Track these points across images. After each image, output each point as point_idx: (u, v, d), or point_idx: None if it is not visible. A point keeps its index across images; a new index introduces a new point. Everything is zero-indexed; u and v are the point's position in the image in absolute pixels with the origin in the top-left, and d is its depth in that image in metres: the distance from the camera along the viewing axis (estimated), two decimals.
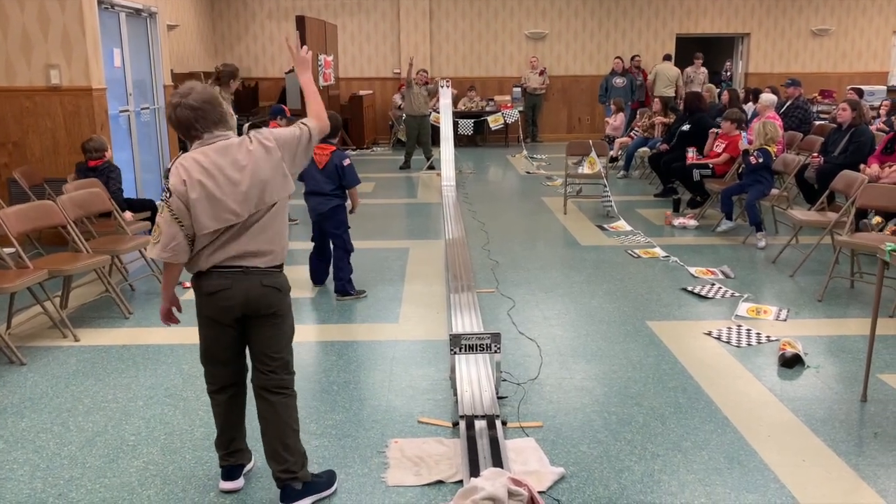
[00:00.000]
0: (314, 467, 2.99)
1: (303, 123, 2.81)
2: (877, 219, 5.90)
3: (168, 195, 2.59)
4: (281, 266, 2.76)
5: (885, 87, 13.37)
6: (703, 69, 13.76)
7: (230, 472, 2.95)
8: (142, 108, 8.26)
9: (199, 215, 2.56)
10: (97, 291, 5.34)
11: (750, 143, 7.22)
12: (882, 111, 9.58)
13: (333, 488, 2.92)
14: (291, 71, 12.74)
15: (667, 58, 13.90)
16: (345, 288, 5.30)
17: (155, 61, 8.52)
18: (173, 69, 10.04)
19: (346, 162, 5.15)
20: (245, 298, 2.66)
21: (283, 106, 9.13)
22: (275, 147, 2.68)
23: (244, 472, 3.01)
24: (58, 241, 5.74)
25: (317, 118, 2.86)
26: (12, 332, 4.53)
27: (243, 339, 2.80)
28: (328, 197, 5.18)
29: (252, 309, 2.69)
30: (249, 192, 2.59)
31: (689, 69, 13.84)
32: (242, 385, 2.93)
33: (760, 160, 6.77)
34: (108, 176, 6.01)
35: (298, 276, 5.47)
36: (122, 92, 7.77)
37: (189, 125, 2.61)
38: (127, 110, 7.86)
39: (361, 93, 13.77)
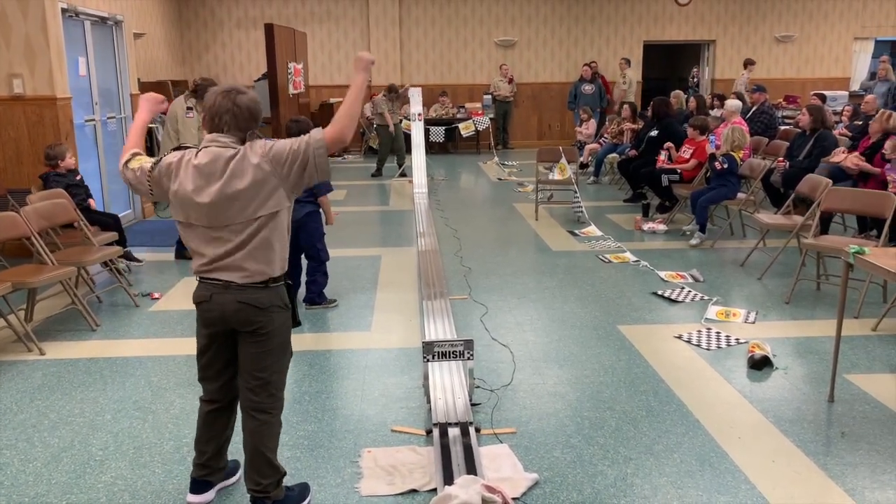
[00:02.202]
0: (287, 479, 2.95)
1: (310, 134, 2.62)
2: None
3: (158, 161, 2.68)
4: (266, 282, 2.64)
5: (846, 93, 13.63)
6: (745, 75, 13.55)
7: (199, 485, 2.90)
8: (108, 118, 8.14)
9: (173, 204, 2.67)
10: (63, 304, 5.24)
11: (717, 147, 7.32)
12: (844, 116, 9.75)
13: (306, 502, 2.89)
14: (260, 79, 12.66)
15: (627, 63, 14.03)
16: (313, 298, 5.26)
17: (121, 70, 8.42)
18: (140, 78, 9.92)
19: None
20: (221, 313, 2.63)
21: None
22: (261, 163, 2.56)
23: (217, 488, 2.97)
24: (22, 253, 5.63)
25: (334, 123, 2.64)
26: None
27: (233, 356, 2.75)
28: (300, 203, 5.09)
29: (232, 324, 2.66)
30: (214, 204, 2.55)
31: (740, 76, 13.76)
32: (228, 404, 2.86)
33: (725, 166, 6.88)
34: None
35: None
36: (87, 101, 7.66)
37: (217, 113, 2.60)
38: (93, 119, 7.74)
39: (332, 100, 13.72)
